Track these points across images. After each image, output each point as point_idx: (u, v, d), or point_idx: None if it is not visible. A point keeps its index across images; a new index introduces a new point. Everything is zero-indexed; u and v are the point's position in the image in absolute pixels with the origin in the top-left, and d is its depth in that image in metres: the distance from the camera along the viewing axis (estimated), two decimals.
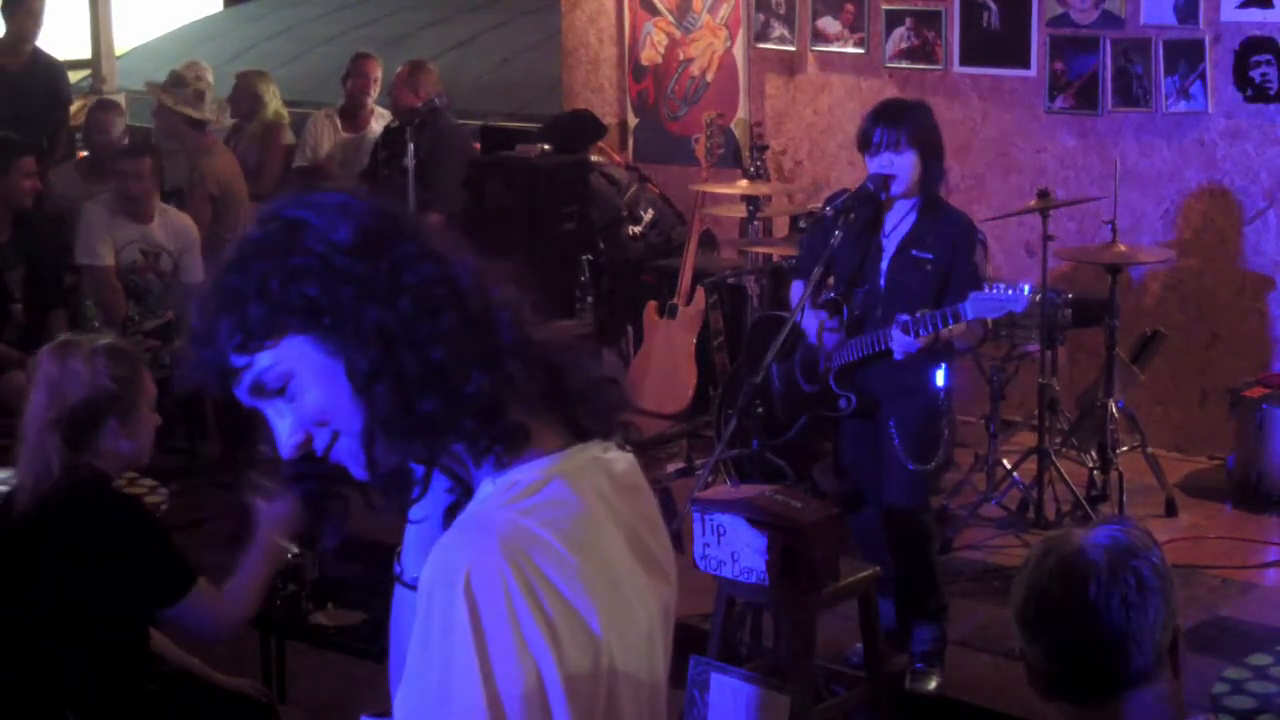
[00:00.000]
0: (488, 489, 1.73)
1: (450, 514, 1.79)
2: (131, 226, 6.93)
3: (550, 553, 1.67)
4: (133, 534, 3.53)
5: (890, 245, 4.83)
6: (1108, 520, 2.21)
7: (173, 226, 7.02)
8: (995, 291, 4.55)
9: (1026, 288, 4.58)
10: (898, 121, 4.72)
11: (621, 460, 1.82)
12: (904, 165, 4.72)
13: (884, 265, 4.84)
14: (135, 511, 3.62)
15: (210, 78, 8.38)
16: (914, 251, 4.78)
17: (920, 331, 4.58)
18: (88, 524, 3.48)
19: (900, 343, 4.62)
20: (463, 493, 1.79)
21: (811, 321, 4.93)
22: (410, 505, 1.80)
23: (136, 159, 6.96)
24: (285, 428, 1.76)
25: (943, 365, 4.85)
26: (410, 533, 1.87)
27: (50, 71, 8.57)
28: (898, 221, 4.83)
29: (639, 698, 1.77)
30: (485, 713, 1.62)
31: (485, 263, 1.80)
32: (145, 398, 3.66)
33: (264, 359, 1.73)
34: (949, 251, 4.74)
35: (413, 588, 1.83)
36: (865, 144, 4.79)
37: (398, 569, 1.88)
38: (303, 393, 1.74)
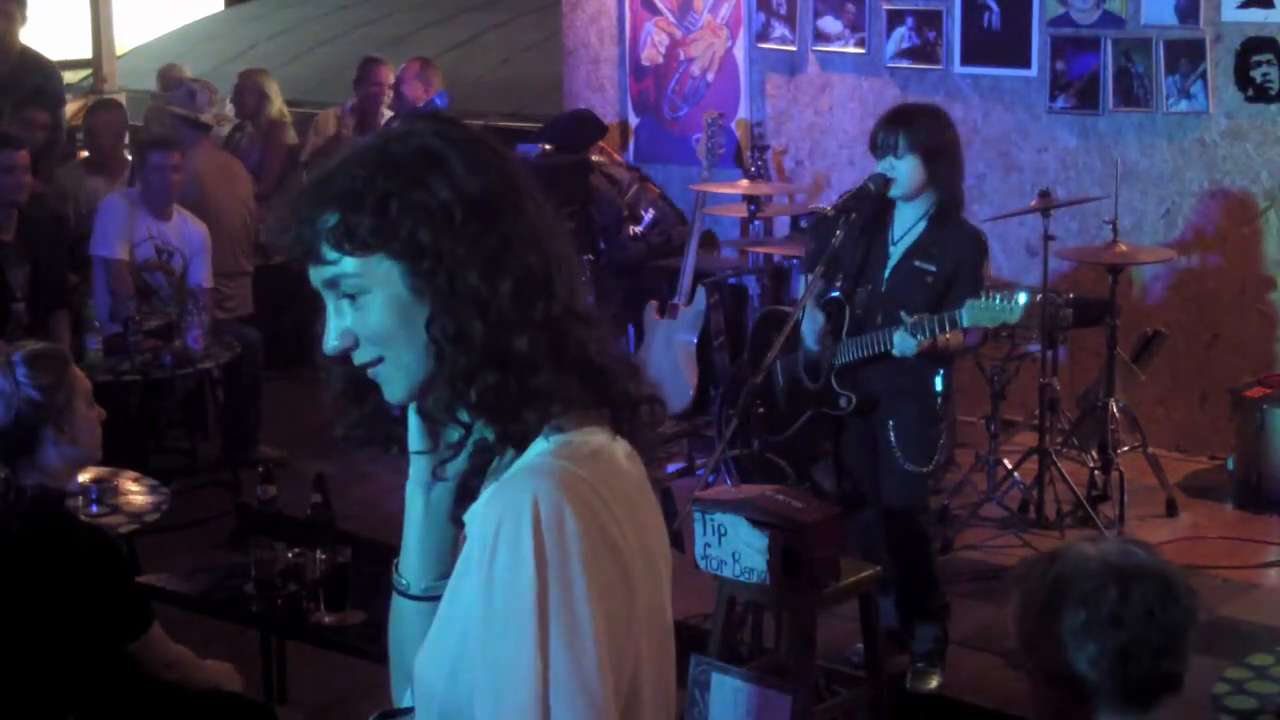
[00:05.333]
0: (542, 445, 1.76)
1: (461, 502, 1.81)
2: (151, 222, 6.93)
3: (602, 504, 1.71)
4: (96, 569, 3.40)
5: (896, 252, 4.82)
6: (1101, 539, 2.20)
7: (188, 229, 7.03)
8: (991, 301, 4.54)
9: (1022, 297, 4.57)
10: (900, 127, 4.71)
11: (638, 458, 1.88)
12: (903, 170, 4.72)
13: (887, 271, 4.83)
14: (98, 545, 3.47)
15: (189, 75, 8.37)
16: (917, 262, 4.76)
17: (918, 334, 4.58)
18: (48, 558, 3.34)
19: (900, 343, 4.62)
20: (483, 467, 1.81)
21: (811, 325, 4.94)
22: (443, 463, 1.82)
23: (168, 153, 6.94)
24: (337, 326, 1.79)
25: (941, 371, 4.85)
26: (411, 536, 1.88)
27: (40, 71, 8.55)
28: (907, 228, 4.80)
29: (660, 652, 1.82)
30: (535, 648, 1.65)
31: (575, 263, 1.83)
32: (79, 396, 3.52)
33: (351, 264, 1.75)
34: (952, 265, 4.72)
35: (416, 599, 1.86)
36: (871, 143, 4.81)
37: (403, 584, 1.89)
38: (371, 310, 1.76)
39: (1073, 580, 2.08)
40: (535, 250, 1.76)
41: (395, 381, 1.79)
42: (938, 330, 4.57)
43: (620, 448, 1.81)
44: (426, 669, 1.76)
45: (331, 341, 1.79)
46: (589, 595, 1.66)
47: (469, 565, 1.71)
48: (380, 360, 1.78)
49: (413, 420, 1.85)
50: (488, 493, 1.76)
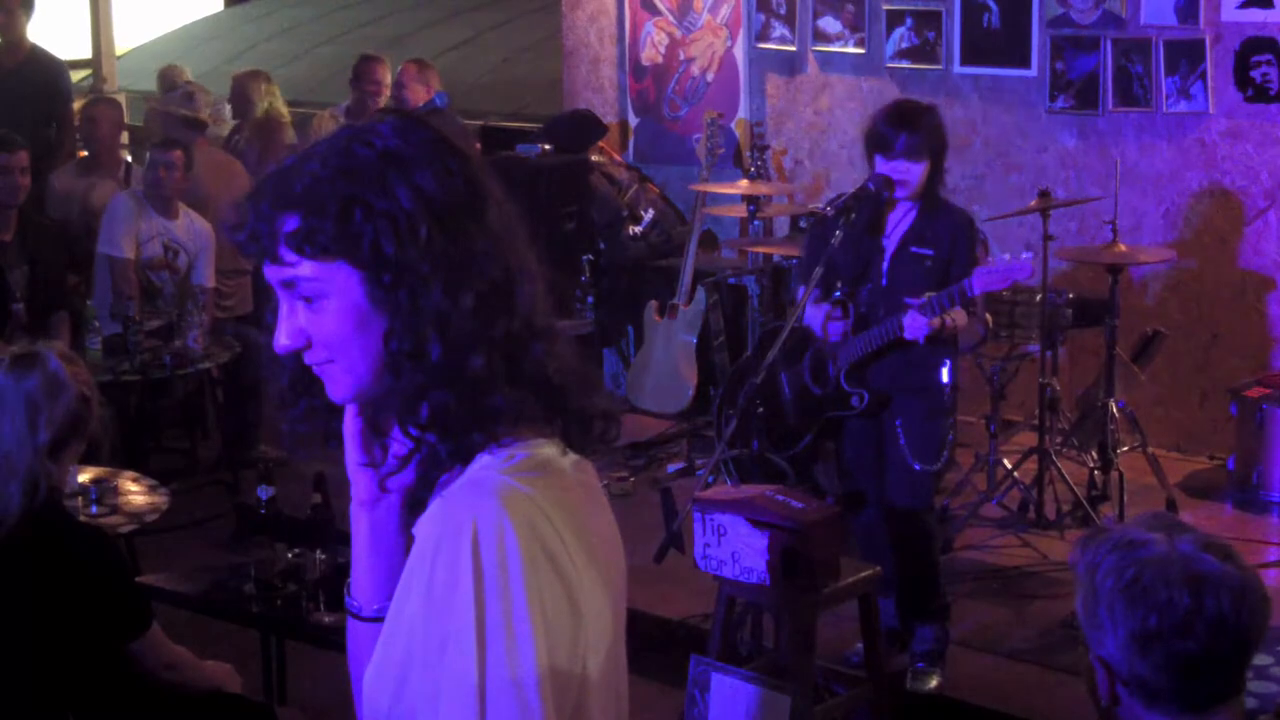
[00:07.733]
0: (487, 458, 1.73)
1: (412, 512, 1.79)
2: (158, 220, 6.96)
3: (545, 520, 1.68)
4: (95, 568, 3.41)
5: (890, 244, 4.84)
6: (1161, 519, 2.16)
7: (194, 227, 7.05)
8: (999, 263, 4.59)
9: (1029, 255, 4.64)
10: (920, 130, 4.71)
11: (589, 467, 1.85)
12: (917, 172, 4.73)
13: (885, 264, 4.84)
14: (97, 544, 3.48)
15: (189, 76, 8.37)
16: (913, 248, 4.80)
17: (929, 314, 4.60)
18: (48, 558, 3.35)
19: (911, 324, 4.63)
20: (429, 478, 1.78)
21: (816, 315, 4.93)
22: (388, 476, 1.79)
23: (169, 151, 6.96)
24: (290, 326, 1.75)
25: (947, 362, 4.86)
26: (359, 557, 1.85)
27: (49, 69, 8.55)
28: (898, 220, 4.84)
29: (611, 668, 1.78)
30: (474, 666, 1.62)
31: (536, 275, 1.78)
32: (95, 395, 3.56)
33: (310, 269, 1.71)
34: (947, 247, 4.76)
35: (369, 620, 1.84)
36: (884, 146, 4.75)
37: (355, 606, 1.87)
38: (327, 314, 1.72)
39: (1149, 586, 2.05)
40: (498, 263, 1.73)
41: (342, 383, 1.76)
42: (949, 305, 4.60)
43: (569, 461, 1.77)
44: (372, 686, 1.74)
45: (282, 340, 1.75)
46: (529, 613, 1.63)
47: (410, 582, 1.69)
48: (331, 362, 1.75)
49: (350, 436, 1.82)
50: (432, 507, 1.72)
